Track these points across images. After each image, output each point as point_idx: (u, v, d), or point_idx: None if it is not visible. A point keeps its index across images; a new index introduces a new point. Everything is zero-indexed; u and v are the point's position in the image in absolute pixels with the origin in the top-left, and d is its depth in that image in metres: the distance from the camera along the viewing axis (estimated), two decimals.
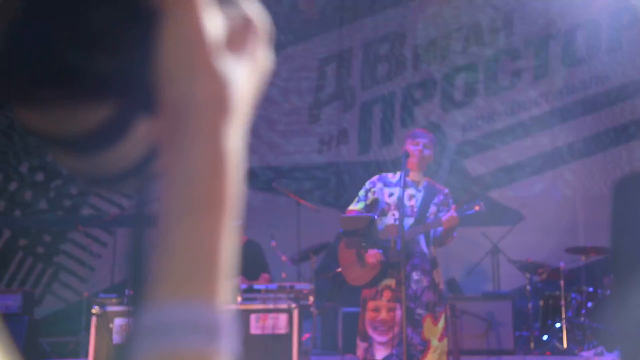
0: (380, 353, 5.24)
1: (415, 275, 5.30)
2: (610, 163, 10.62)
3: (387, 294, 5.31)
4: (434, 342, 5.24)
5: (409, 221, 5.33)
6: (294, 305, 7.07)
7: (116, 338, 7.13)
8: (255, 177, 11.42)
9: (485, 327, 8.47)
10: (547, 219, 10.50)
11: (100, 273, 10.88)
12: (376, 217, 5.27)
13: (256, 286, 7.28)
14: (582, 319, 8.49)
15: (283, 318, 7.05)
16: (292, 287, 7.27)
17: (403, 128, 11.13)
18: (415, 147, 5.50)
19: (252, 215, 11.25)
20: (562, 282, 8.64)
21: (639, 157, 10.57)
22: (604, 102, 10.77)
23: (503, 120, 10.98)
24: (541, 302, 9.14)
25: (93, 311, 7.25)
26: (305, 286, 7.32)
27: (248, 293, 7.23)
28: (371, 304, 5.37)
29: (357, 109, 11.37)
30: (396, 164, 5.78)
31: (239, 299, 7.16)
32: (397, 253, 4.95)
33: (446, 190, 5.60)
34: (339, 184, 11.17)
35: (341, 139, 11.31)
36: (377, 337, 5.27)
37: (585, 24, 10.99)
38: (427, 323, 5.25)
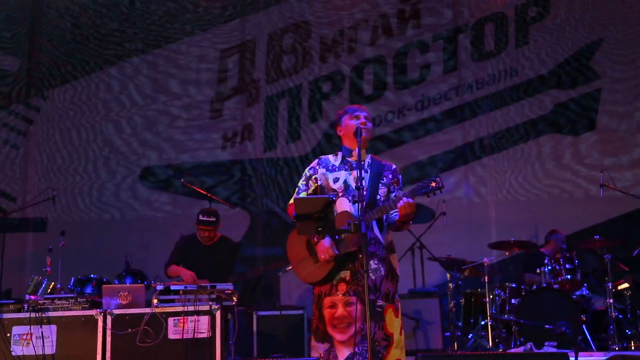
0: (342, 353, 4.66)
1: (372, 264, 4.76)
2: (521, 158, 10.46)
3: (341, 287, 4.74)
4: (397, 336, 4.71)
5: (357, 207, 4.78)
6: (216, 306, 6.44)
7: (15, 349, 6.27)
8: (154, 176, 10.65)
9: (412, 326, 8.06)
10: (460, 215, 10.23)
11: None
12: (334, 197, 4.70)
13: (173, 287, 6.57)
14: (506, 315, 8.19)
15: (204, 321, 6.41)
16: (213, 287, 6.61)
17: (311, 123, 10.63)
18: (357, 121, 4.98)
19: (153, 215, 10.52)
20: (486, 279, 8.32)
21: (548, 152, 10.46)
22: (513, 97, 10.61)
23: (414, 114, 10.65)
24: (462, 300, 8.81)
25: None
26: (227, 286, 6.67)
27: (165, 295, 6.51)
28: (327, 301, 4.78)
29: (262, 103, 10.78)
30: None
31: (155, 301, 6.44)
32: (357, 239, 4.40)
33: (393, 167, 5.08)
34: (244, 183, 10.54)
35: (246, 135, 10.68)
36: (337, 336, 4.68)
37: (493, 17, 10.83)
38: (389, 315, 4.72)
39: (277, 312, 8.31)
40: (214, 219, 7.85)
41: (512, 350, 7.66)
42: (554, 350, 7.38)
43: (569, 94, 10.49)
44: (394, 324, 4.72)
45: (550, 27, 10.72)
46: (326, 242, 4.74)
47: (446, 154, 10.53)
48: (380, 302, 4.71)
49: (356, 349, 4.60)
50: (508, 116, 10.56)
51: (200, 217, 7.84)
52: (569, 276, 8.22)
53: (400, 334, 4.76)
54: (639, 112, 10.45)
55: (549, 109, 10.56)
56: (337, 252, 4.70)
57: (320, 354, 4.75)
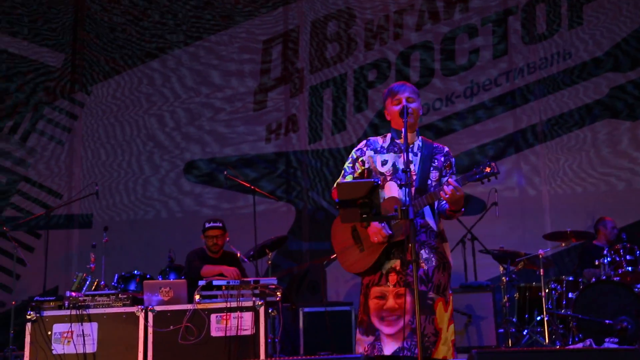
0: (389, 347, 4.37)
1: (424, 254, 4.48)
2: (575, 145, 10.05)
3: (392, 278, 4.47)
4: (444, 332, 4.41)
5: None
6: (260, 302, 6.22)
7: (56, 347, 6.12)
8: (198, 170, 10.48)
9: (464, 321, 7.75)
10: (513, 205, 9.87)
11: (27, 281, 9.77)
12: (379, 182, 4.41)
13: (216, 282, 6.36)
14: (563, 310, 7.83)
15: (248, 317, 6.19)
16: (257, 282, 6.39)
17: (357, 113, 10.35)
18: (398, 106, 4.68)
19: (198, 210, 10.35)
20: (541, 272, 7.94)
21: (603, 139, 10.03)
22: (566, 81, 10.19)
23: (462, 102, 10.30)
24: (516, 295, 8.44)
25: (28, 316, 6.26)
26: (271, 281, 6.45)
27: (207, 290, 6.31)
28: (375, 290, 4.50)
29: (306, 93, 10.53)
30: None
31: (197, 297, 6.24)
32: (404, 227, 4.11)
33: (446, 149, 4.78)
34: (289, 176, 10.31)
35: (290, 127, 10.45)
36: (385, 329, 4.40)
37: None
38: (439, 309, 4.43)
39: (323, 309, 8.06)
40: (221, 224, 7.69)
41: (571, 347, 7.31)
42: (615, 346, 7.02)
43: (627, 76, 10.04)
44: (443, 318, 4.43)
45: (605, 6, 10.27)
46: (377, 223, 4.47)
47: (497, 142, 10.16)
48: (431, 295, 4.43)
49: (404, 344, 4.31)
50: (562, 101, 10.15)
51: (207, 225, 7.69)
52: (630, 268, 7.84)
53: (448, 329, 4.46)
54: None
55: (605, 92, 10.13)
56: (390, 233, 4.42)
57: (365, 348, 4.47)
